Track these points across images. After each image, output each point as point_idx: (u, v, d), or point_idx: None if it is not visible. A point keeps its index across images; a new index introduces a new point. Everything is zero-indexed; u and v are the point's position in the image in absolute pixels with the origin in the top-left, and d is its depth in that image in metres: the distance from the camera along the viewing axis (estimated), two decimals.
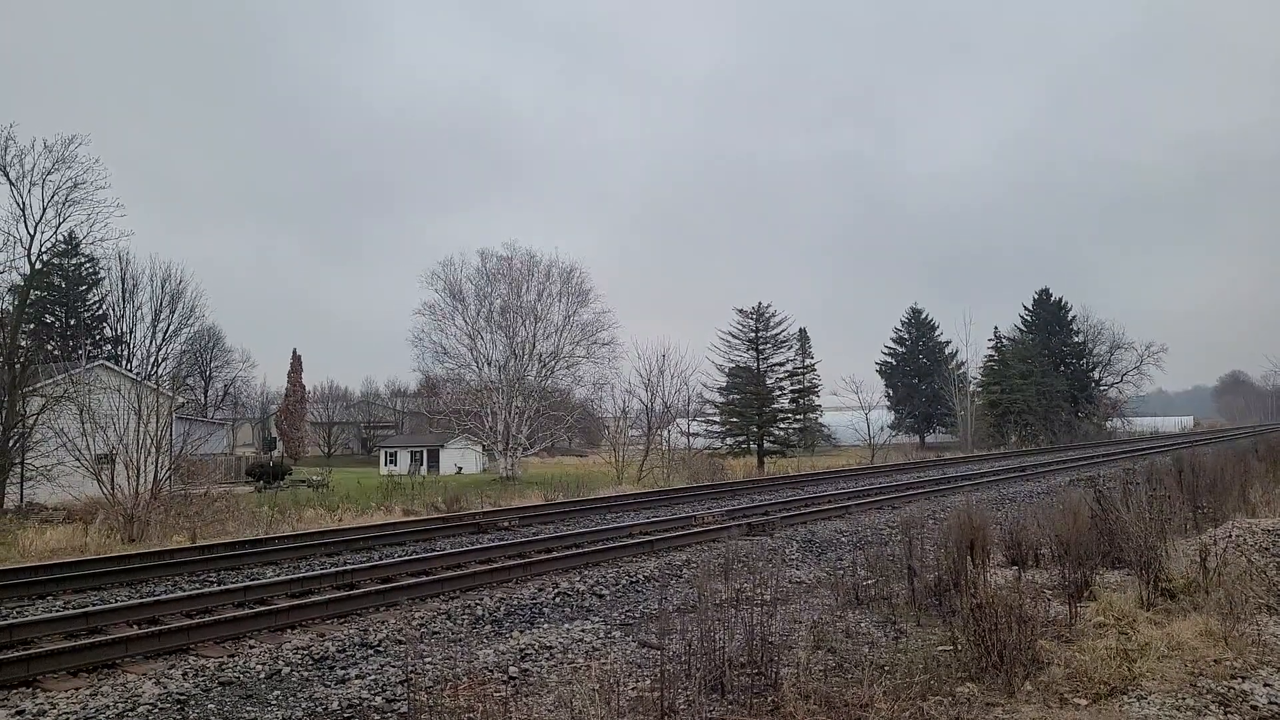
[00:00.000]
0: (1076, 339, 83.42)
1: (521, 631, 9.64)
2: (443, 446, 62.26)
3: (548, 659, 8.44)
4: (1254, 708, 6.22)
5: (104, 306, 56.65)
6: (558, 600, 11.17)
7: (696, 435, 57.91)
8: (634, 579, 12.51)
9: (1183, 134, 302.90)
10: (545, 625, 9.98)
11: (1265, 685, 6.65)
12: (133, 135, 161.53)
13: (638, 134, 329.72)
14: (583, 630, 9.61)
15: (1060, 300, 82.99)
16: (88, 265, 55.05)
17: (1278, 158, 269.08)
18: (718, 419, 59.92)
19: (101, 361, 35.62)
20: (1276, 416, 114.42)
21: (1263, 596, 9.43)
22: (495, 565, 12.89)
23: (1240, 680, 6.77)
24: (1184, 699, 6.40)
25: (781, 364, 61.70)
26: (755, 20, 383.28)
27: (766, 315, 59.76)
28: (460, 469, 59.66)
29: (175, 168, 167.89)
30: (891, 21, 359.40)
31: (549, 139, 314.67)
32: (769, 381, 60.14)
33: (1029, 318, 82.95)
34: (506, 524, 18.98)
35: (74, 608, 10.61)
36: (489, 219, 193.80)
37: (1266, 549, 11.79)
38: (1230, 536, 11.89)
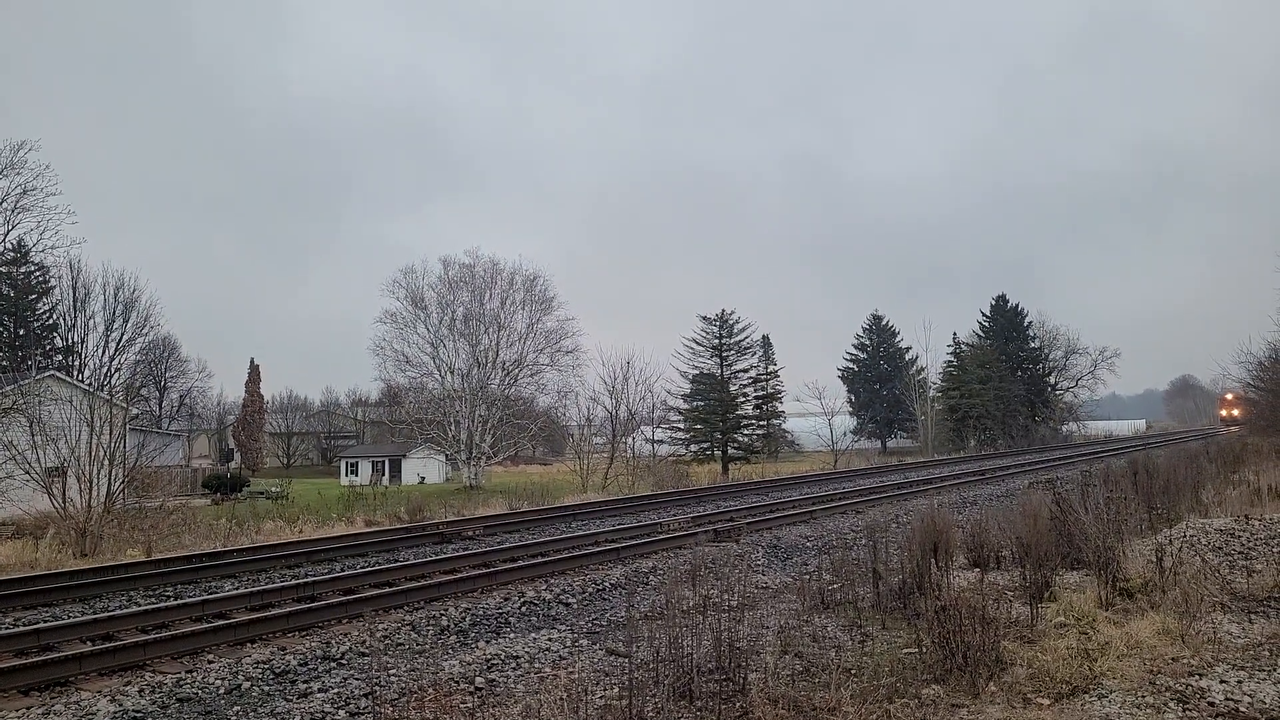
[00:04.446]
0: (1033, 344, 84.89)
1: (487, 641, 9.56)
2: (405, 456, 61.56)
3: (514, 669, 8.37)
4: (1211, 704, 6.34)
5: (55, 316, 55.42)
6: (524, 609, 11.09)
7: (661, 442, 57.97)
8: (600, 587, 12.46)
9: (1132, 139, 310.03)
10: (511, 635, 9.91)
11: (1221, 682, 6.79)
12: (43, 129, 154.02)
13: (580, 130, 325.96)
14: (549, 639, 9.54)
15: (1017, 306, 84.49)
16: (38, 273, 53.80)
17: (1225, 163, 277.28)
18: (682, 425, 60.01)
19: (52, 372, 34.76)
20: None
21: (1217, 595, 9.64)
22: (460, 575, 12.76)
23: (1197, 677, 6.91)
24: (1143, 697, 6.51)
25: (745, 370, 62.01)
26: (691, 14, 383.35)
27: (730, 322, 60.07)
28: (423, 479, 59.02)
29: (91, 163, 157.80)
30: (832, 17, 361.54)
31: (488, 135, 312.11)
32: (733, 388, 60.38)
33: (987, 324, 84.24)
34: (471, 533, 18.82)
35: (25, 624, 10.31)
36: (431, 218, 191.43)
37: (1220, 548, 12.08)
38: (1185, 536, 12.15)
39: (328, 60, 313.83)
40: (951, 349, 78.24)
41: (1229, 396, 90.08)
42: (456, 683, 7.77)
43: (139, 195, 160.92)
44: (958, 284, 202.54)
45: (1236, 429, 68.95)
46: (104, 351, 52.95)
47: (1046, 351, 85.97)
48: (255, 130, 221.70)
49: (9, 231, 33.39)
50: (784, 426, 67.40)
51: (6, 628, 10.21)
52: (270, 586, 12.18)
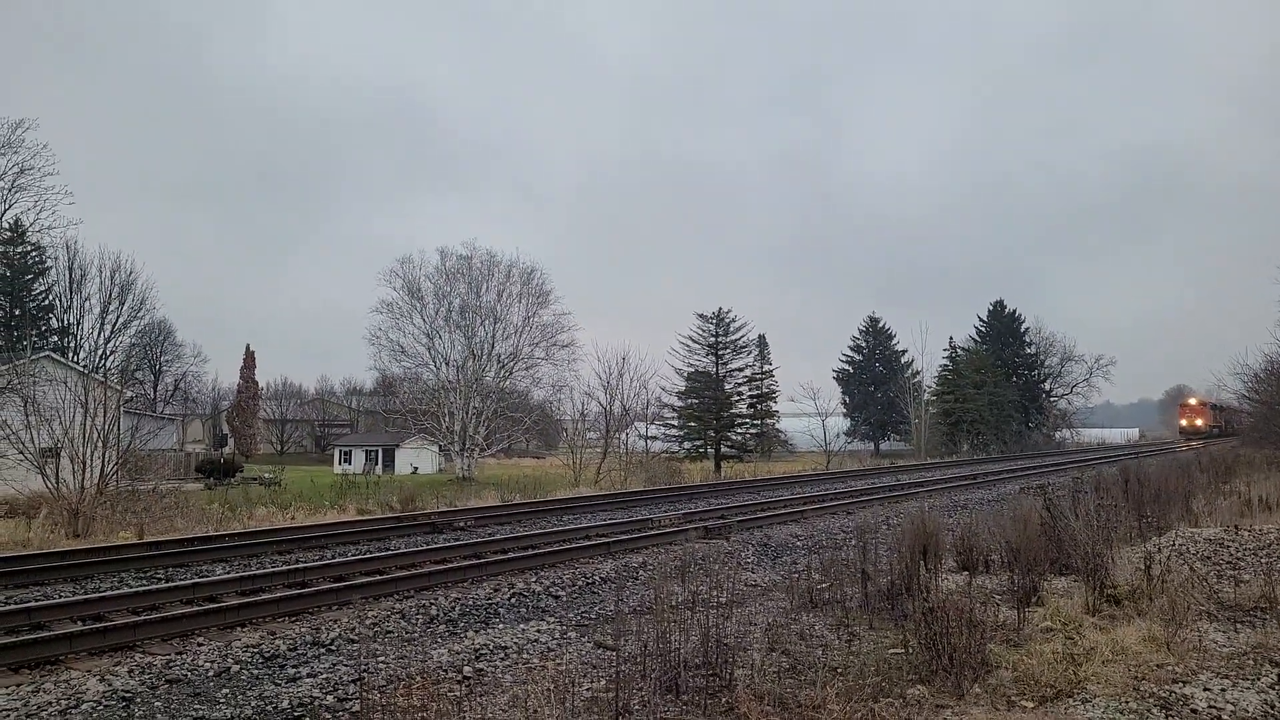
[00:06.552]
0: (1029, 350, 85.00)
1: (476, 631, 9.58)
2: (398, 446, 61.57)
3: (502, 659, 8.40)
4: (1194, 711, 6.39)
5: (51, 296, 55.30)
6: (513, 601, 11.12)
7: (655, 439, 57.99)
8: (590, 580, 12.49)
9: (1125, 142, 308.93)
10: (500, 625, 9.94)
11: (1205, 689, 6.84)
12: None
13: (566, 124, 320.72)
14: (538, 631, 9.58)
15: (1014, 312, 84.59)
16: (34, 254, 53.67)
17: (1216, 168, 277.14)
18: (676, 423, 60.05)
19: (47, 353, 34.72)
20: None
21: (1203, 603, 9.69)
22: (450, 565, 12.79)
23: (1181, 684, 6.96)
24: (1127, 702, 6.55)
25: (740, 369, 62.07)
26: (673, 6, 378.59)
27: (726, 320, 60.12)
28: (416, 469, 59.04)
29: (64, 144, 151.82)
30: (822, 12, 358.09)
31: (472, 123, 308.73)
32: (728, 386, 60.44)
33: (983, 328, 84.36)
34: (462, 524, 18.85)
35: (16, 602, 10.32)
36: (419, 206, 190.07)
37: (1208, 557, 12.15)
38: (1174, 545, 12.23)
39: (309, 47, 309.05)
40: (947, 353, 78.46)
41: (1191, 402, 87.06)
42: (445, 671, 7.80)
43: (115, 178, 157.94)
44: (954, 289, 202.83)
45: (1198, 443, 67.21)
46: (99, 333, 52.73)
47: (1042, 358, 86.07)
48: (235, 113, 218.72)
49: (5, 211, 33.34)
50: (778, 426, 67.40)
51: None
52: (261, 571, 12.20)
